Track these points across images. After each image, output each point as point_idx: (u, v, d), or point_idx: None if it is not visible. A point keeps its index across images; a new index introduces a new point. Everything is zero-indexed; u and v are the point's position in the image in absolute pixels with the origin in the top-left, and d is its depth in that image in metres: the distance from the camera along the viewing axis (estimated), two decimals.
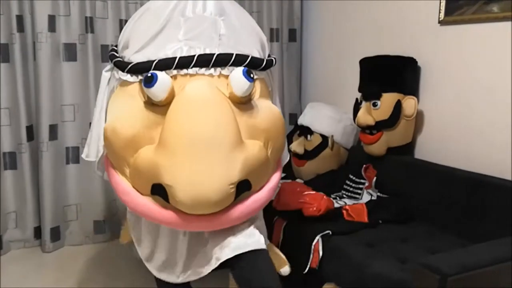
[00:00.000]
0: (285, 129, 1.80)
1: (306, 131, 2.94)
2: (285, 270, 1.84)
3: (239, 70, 1.58)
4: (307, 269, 2.06)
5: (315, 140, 2.89)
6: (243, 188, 1.57)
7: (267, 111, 1.70)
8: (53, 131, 2.94)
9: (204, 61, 1.60)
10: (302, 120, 3.00)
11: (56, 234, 3.01)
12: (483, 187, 2.11)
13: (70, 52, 2.94)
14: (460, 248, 1.85)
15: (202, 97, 1.51)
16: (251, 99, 1.66)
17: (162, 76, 1.53)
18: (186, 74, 1.60)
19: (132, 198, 1.61)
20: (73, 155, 3.03)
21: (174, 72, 1.60)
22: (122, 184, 1.64)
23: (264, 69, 1.76)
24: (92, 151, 1.80)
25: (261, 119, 1.66)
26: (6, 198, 2.95)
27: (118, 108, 1.64)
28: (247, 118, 1.62)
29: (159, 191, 1.54)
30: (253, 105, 1.66)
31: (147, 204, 1.59)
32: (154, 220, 1.63)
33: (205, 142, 1.47)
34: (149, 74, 1.52)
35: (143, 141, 1.56)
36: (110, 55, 1.76)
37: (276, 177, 1.75)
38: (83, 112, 3.01)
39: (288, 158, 2.00)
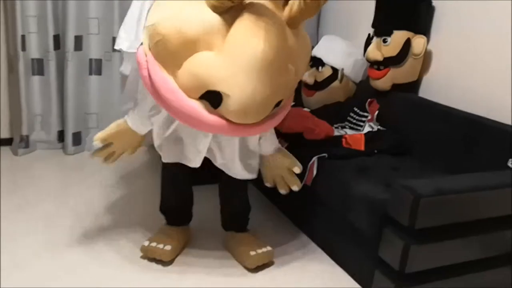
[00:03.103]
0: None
1: (318, 62, 3.04)
2: (296, 169, 2.14)
3: None
4: (301, 185, 2.25)
5: (326, 72, 2.99)
6: (276, 105, 1.81)
7: (304, 38, 1.85)
8: (78, 42, 3.10)
9: None
10: (315, 52, 3.09)
11: (77, 138, 3.27)
12: (477, 128, 2.22)
13: None
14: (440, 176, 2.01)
15: (269, 20, 1.63)
16: (298, 25, 1.78)
17: None
18: None
19: (179, 98, 1.68)
20: (96, 66, 3.20)
21: None
22: (169, 83, 1.68)
23: None
24: (127, 42, 1.89)
25: (300, 45, 1.81)
26: (33, 101, 3.17)
27: (182, 8, 1.66)
28: (292, 43, 1.75)
29: (209, 97, 1.68)
30: (298, 31, 1.80)
31: (195, 107, 1.69)
32: (197, 122, 1.72)
33: (264, 63, 1.63)
34: None
35: (202, 45, 1.64)
36: None
37: (291, 99, 1.98)
38: (106, 26, 3.14)
39: None
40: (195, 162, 1.98)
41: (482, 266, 1.90)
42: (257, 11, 1.64)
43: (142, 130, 2.05)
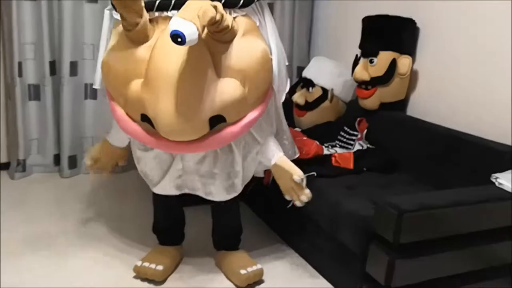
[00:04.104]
0: (268, 66, 1.90)
1: (308, 83, 3.11)
2: (296, 178, 2.03)
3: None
4: (290, 204, 2.29)
5: (316, 93, 3.06)
6: (217, 121, 1.81)
7: (246, 50, 1.82)
8: (74, 67, 3.17)
9: (181, 4, 1.71)
10: (306, 73, 3.17)
11: (73, 162, 3.31)
12: (463, 144, 2.28)
13: None
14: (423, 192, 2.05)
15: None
16: (231, 40, 1.80)
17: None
18: (166, 17, 1.79)
19: (125, 123, 1.89)
20: (91, 91, 3.26)
21: (156, 14, 1.80)
22: (118, 111, 1.91)
23: (244, 6, 1.85)
24: (98, 80, 2.04)
25: (238, 58, 1.80)
26: (30, 126, 3.23)
27: (111, 45, 1.86)
28: (225, 58, 1.78)
29: (147, 119, 1.80)
30: (233, 45, 1.80)
31: (136, 129, 1.87)
32: (142, 142, 1.93)
33: (180, 81, 1.68)
34: None
35: (133, 75, 1.79)
36: None
37: (254, 114, 1.91)
38: None
39: (284, 97, 2.14)
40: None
41: (467, 279, 1.92)
42: (167, 36, 1.65)
43: (120, 144, 2.29)
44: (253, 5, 1.90)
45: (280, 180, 2.11)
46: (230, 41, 1.79)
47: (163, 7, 1.78)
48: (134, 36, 1.75)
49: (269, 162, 2.10)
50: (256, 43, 1.86)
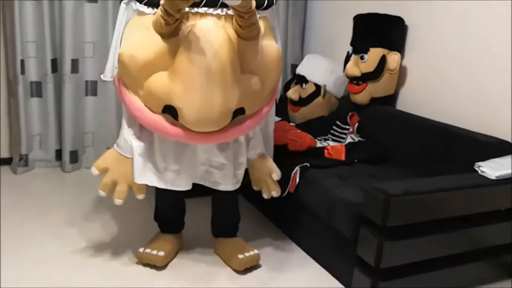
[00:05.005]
0: (280, 65, 2.08)
1: (302, 80, 3.22)
2: (274, 176, 2.27)
3: None
4: (285, 193, 2.40)
5: (309, 89, 3.17)
6: (238, 113, 1.93)
7: (267, 49, 1.97)
8: (75, 65, 3.28)
9: (212, 1, 1.85)
10: (299, 70, 3.28)
11: (74, 157, 3.41)
12: (449, 136, 2.39)
13: None
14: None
15: (210, 36, 1.78)
16: (256, 37, 1.92)
17: None
18: (196, 13, 1.87)
19: (145, 115, 1.93)
20: (92, 88, 3.38)
21: (186, 9, 1.85)
22: (136, 102, 1.94)
23: (266, 8, 1.99)
24: (109, 73, 2.09)
25: (261, 56, 1.94)
26: (32, 122, 3.33)
27: (135, 36, 1.90)
28: (249, 55, 1.91)
29: (169, 111, 1.87)
30: (256, 43, 1.93)
31: (159, 120, 1.92)
32: (163, 134, 1.97)
33: (210, 74, 1.78)
34: None
35: (156, 67, 1.85)
36: None
37: (266, 109, 2.08)
38: (101, 49, 3.32)
39: (279, 94, 2.29)
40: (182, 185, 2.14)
41: (453, 261, 2.04)
42: (201, 29, 1.79)
43: (126, 151, 2.08)
44: (270, 9, 2.04)
45: (257, 172, 2.28)
46: (253, 38, 1.91)
47: (194, 4, 1.84)
48: (168, 30, 1.82)
49: (254, 155, 2.25)
50: (273, 43, 2.02)
